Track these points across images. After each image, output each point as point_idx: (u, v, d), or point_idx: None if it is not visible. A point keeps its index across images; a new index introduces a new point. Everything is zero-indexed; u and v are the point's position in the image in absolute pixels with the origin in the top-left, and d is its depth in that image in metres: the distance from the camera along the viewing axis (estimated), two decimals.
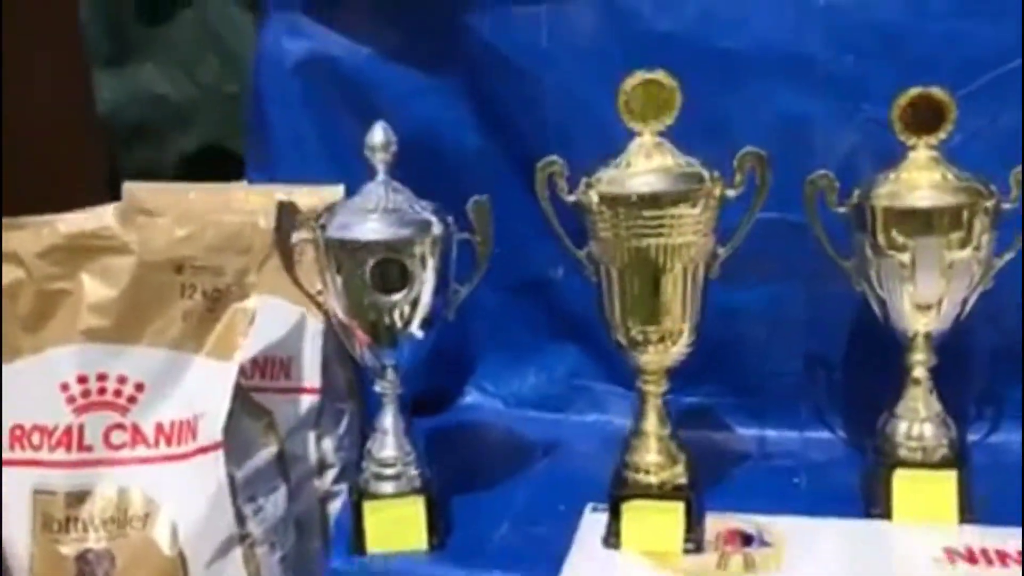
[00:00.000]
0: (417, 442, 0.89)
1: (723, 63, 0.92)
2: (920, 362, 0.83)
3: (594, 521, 0.86)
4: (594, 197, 0.78)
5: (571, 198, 0.79)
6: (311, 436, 0.97)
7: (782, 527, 0.84)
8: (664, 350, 0.83)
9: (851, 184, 0.82)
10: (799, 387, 1.00)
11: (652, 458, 0.84)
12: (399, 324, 0.82)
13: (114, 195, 0.95)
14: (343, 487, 0.97)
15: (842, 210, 0.82)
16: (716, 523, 0.85)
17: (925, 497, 0.82)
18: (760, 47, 0.91)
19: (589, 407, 1.10)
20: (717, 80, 0.91)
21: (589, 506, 0.88)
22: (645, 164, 0.78)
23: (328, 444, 0.98)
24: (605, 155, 0.79)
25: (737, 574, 0.79)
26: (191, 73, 1.16)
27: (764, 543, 0.83)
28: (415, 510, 0.85)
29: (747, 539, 0.83)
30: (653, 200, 0.76)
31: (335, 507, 0.98)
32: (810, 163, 0.86)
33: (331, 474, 0.99)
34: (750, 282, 0.96)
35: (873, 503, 0.85)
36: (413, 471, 0.86)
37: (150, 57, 1.16)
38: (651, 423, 0.88)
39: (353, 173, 0.85)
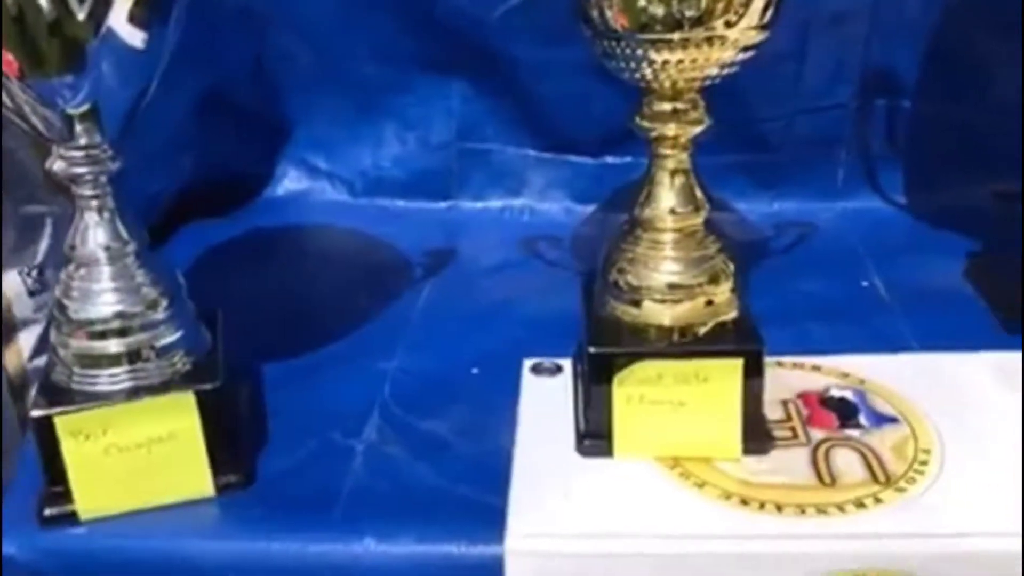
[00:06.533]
0: (170, 277, 0.47)
1: None
2: None
3: (540, 392, 0.53)
4: None
5: None
6: None
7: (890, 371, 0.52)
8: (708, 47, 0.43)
9: None
10: None
11: (668, 275, 0.47)
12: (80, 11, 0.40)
13: None
14: None
15: None
16: (777, 382, 0.50)
17: None
18: None
19: (494, 186, 0.74)
20: None
21: (527, 364, 0.55)
22: None
23: (12, 283, 0.63)
24: None
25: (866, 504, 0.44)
26: None
27: (883, 417, 0.49)
28: (182, 424, 0.44)
29: (846, 410, 0.50)
30: None
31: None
32: None
33: (28, 341, 0.63)
34: None
35: None
36: (172, 340, 0.46)
37: None
38: (662, 201, 0.47)
39: None
